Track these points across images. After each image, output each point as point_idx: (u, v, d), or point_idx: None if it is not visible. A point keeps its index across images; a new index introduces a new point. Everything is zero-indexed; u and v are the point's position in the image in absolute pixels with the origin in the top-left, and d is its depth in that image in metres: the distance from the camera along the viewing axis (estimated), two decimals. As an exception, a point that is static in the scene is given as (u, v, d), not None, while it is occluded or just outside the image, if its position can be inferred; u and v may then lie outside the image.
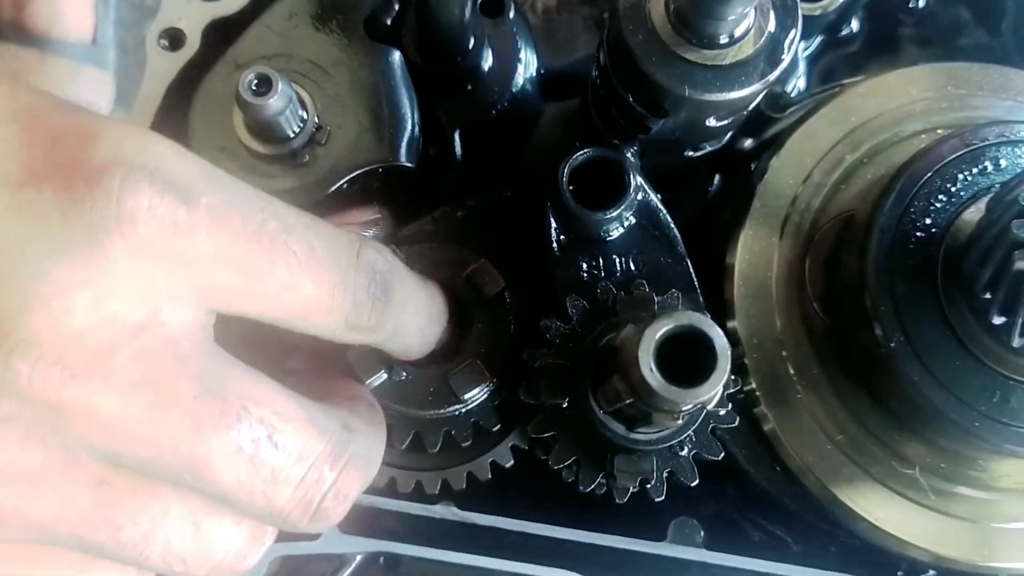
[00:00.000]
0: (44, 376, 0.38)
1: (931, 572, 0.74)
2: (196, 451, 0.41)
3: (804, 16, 0.75)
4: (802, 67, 0.81)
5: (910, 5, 0.84)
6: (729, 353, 0.48)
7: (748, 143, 0.78)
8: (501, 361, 0.62)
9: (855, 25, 0.83)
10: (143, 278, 0.40)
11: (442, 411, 0.61)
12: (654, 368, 0.47)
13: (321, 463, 0.46)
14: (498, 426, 0.63)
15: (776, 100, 0.74)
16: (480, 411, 0.63)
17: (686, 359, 0.49)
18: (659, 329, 0.48)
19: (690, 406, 0.49)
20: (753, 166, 0.73)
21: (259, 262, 0.43)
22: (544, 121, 0.83)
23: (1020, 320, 0.52)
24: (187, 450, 0.41)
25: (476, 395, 0.61)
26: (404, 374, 0.61)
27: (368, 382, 0.59)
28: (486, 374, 0.60)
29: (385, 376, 0.60)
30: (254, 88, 0.60)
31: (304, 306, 0.46)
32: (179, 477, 0.42)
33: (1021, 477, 0.65)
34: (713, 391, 0.47)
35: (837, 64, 0.84)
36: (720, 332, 0.48)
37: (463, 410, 0.62)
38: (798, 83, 0.82)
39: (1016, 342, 0.53)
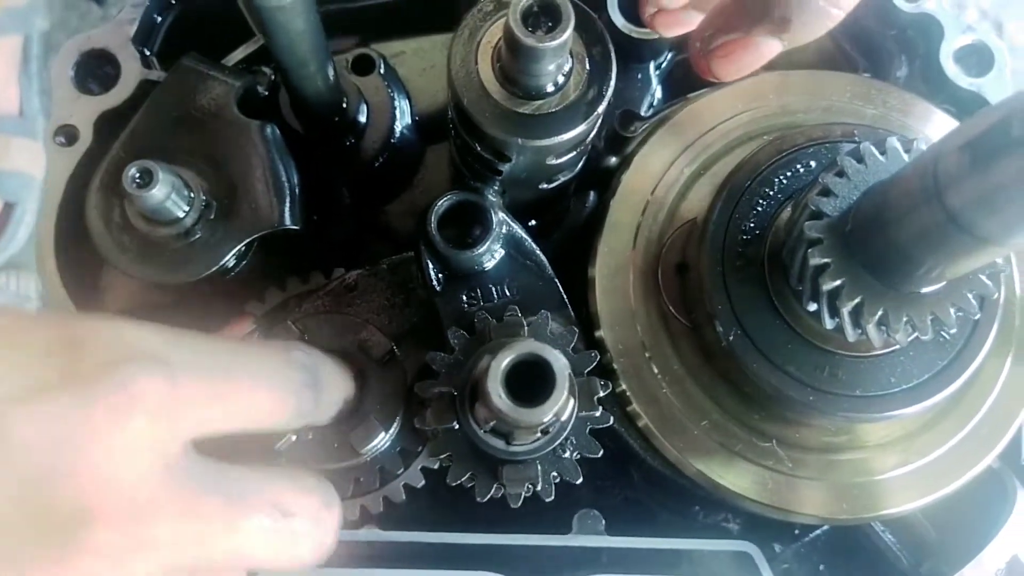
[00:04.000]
0: (109, 534, 0.46)
1: (822, 527, 0.83)
2: (234, 542, 0.51)
3: (642, 40, 0.83)
4: (655, 85, 0.88)
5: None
6: (567, 372, 0.55)
7: (613, 160, 0.85)
8: (397, 411, 0.69)
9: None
10: (155, 434, 0.48)
11: (348, 463, 0.68)
12: (502, 395, 0.54)
13: (319, 512, 0.55)
14: (402, 469, 0.71)
15: (626, 120, 0.81)
16: (384, 457, 0.70)
17: (535, 379, 0.56)
18: (503, 360, 0.55)
19: (543, 422, 0.56)
20: (613, 182, 0.80)
21: (225, 395, 0.52)
22: (427, 163, 0.90)
23: (825, 306, 0.60)
24: (227, 544, 0.50)
25: (376, 446, 0.69)
26: (310, 435, 0.68)
27: (277, 447, 0.66)
28: (379, 429, 0.67)
29: (293, 438, 0.67)
30: (137, 182, 0.66)
31: (263, 413, 0.55)
32: (227, 564, 0.52)
33: (879, 436, 0.73)
34: (556, 407, 0.55)
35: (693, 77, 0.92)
36: (558, 355, 0.55)
37: (367, 459, 0.69)
38: (654, 100, 0.89)
39: (828, 324, 0.61)
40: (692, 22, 0.69)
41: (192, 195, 0.71)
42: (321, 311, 0.73)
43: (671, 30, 0.66)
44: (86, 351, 0.48)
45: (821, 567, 0.83)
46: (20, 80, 2.16)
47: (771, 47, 0.62)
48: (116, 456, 0.46)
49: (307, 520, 0.54)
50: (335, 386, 0.65)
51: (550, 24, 0.57)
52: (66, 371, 0.47)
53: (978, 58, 0.85)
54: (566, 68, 0.63)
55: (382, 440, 0.69)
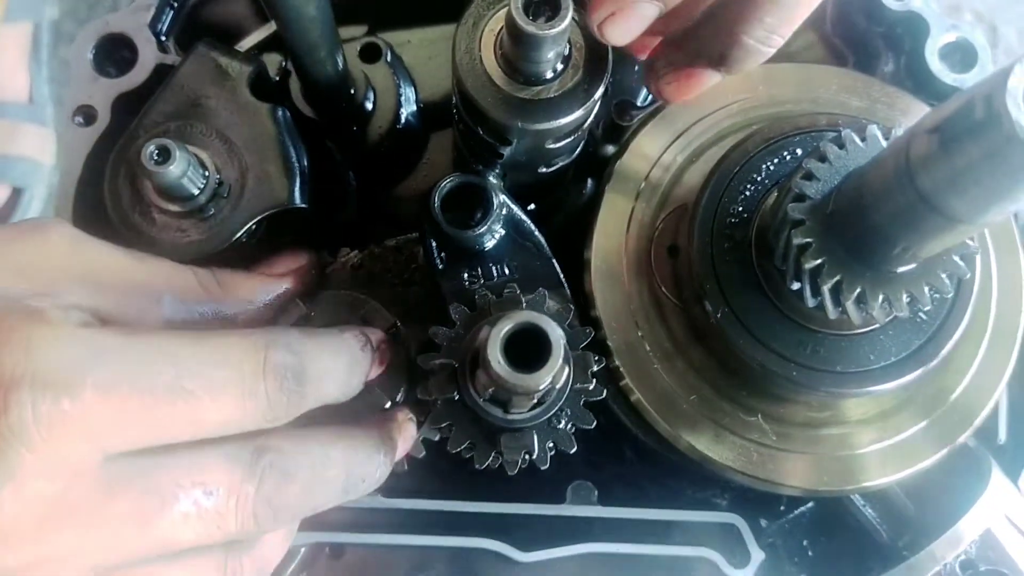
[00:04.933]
0: (4, 558, 0.48)
1: (809, 504, 0.87)
2: (157, 536, 0.51)
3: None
4: (651, 75, 0.91)
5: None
6: (563, 341, 0.58)
7: (610, 149, 0.88)
8: (400, 385, 0.72)
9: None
10: (51, 459, 0.47)
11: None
12: (501, 361, 0.58)
13: (241, 485, 0.54)
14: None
15: (622, 109, 0.85)
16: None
17: (532, 350, 0.59)
18: (503, 328, 0.58)
19: (539, 387, 0.59)
20: (609, 170, 0.83)
21: (158, 413, 0.50)
22: (431, 148, 0.94)
23: (807, 285, 0.63)
24: (152, 539, 0.51)
25: None
26: None
27: None
28: (384, 399, 0.71)
29: None
30: (155, 158, 0.69)
31: (219, 425, 0.53)
32: (158, 556, 0.53)
33: (860, 412, 0.76)
34: (552, 373, 0.58)
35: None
36: (554, 325, 0.59)
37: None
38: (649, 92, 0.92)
39: (810, 303, 0.64)
40: (652, 47, 0.74)
41: (206, 174, 0.74)
42: (327, 288, 0.76)
43: (624, 39, 0.69)
44: None
45: (804, 542, 0.86)
46: (30, 67, 2.20)
47: (712, 77, 0.68)
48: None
49: (228, 494, 0.53)
50: (335, 376, 0.62)
51: (550, 13, 0.61)
52: None
53: (962, 55, 0.89)
54: (565, 56, 0.66)
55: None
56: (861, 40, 0.92)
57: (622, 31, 0.63)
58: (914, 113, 0.80)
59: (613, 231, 0.77)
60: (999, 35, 2.29)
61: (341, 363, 0.64)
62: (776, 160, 0.71)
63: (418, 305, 0.79)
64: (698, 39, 0.67)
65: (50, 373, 0.47)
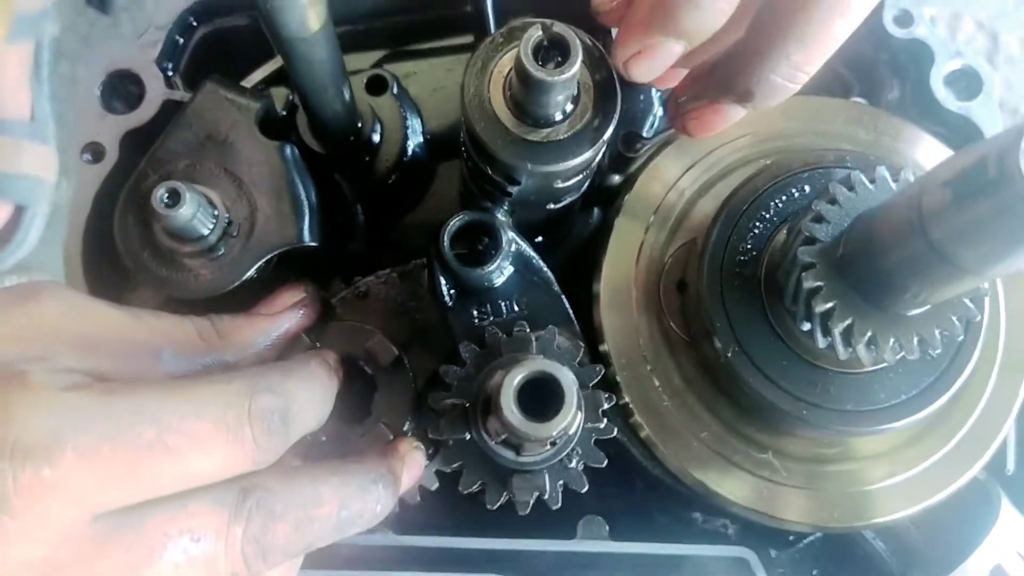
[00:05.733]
0: None
1: (815, 534, 0.87)
2: None
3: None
4: (657, 106, 0.92)
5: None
6: (575, 389, 0.59)
7: (616, 178, 0.88)
8: (406, 417, 0.72)
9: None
10: (35, 526, 0.48)
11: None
12: (514, 410, 0.58)
13: (229, 528, 0.53)
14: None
15: (630, 141, 0.85)
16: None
17: (544, 396, 0.60)
18: (515, 377, 0.58)
19: (553, 435, 0.60)
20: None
21: (142, 470, 0.50)
22: (438, 178, 0.94)
23: (817, 327, 0.63)
24: None
25: None
26: (323, 437, 0.71)
27: None
28: (387, 435, 0.71)
29: (308, 438, 0.70)
30: (165, 202, 0.69)
31: (204, 477, 0.53)
32: None
33: (870, 449, 0.76)
34: (565, 422, 0.58)
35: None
36: (567, 372, 0.59)
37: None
38: (656, 120, 0.92)
39: (821, 344, 0.64)
40: (676, 79, 0.72)
41: (216, 213, 0.74)
42: (333, 318, 0.76)
43: (649, 77, 0.68)
44: None
45: (814, 572, 0.86)
46: (31, 85, 2.20)
47: (737, 112, 0.67)
48: None
49: (216, 538, 0.53)
50: (314, 411, 0.63)
51: (559, 58, 0.61)
52: None
53: (967, 82, 0.89)
54: (574, 97, 0.66)
55: None
56: (866, 68, 0.92)
57: (646, 69, 0.63)
58: (919, 144, 0.80)
59: (622, 263, 0.77)
60: (1000, 44, 2.29)
61: (317, 394, 0.65)
62: (784, 197, 0.71)
63: (424, 331, 0.79)
64: (723, 74, 0.66)
65: (30, 440, 0.47)
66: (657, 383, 0.74)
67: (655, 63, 0.63)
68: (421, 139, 0.90)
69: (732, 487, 0.73)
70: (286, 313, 0.75)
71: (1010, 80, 2.37)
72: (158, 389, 0.54)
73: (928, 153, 0.80)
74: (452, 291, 0.76)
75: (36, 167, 2.14)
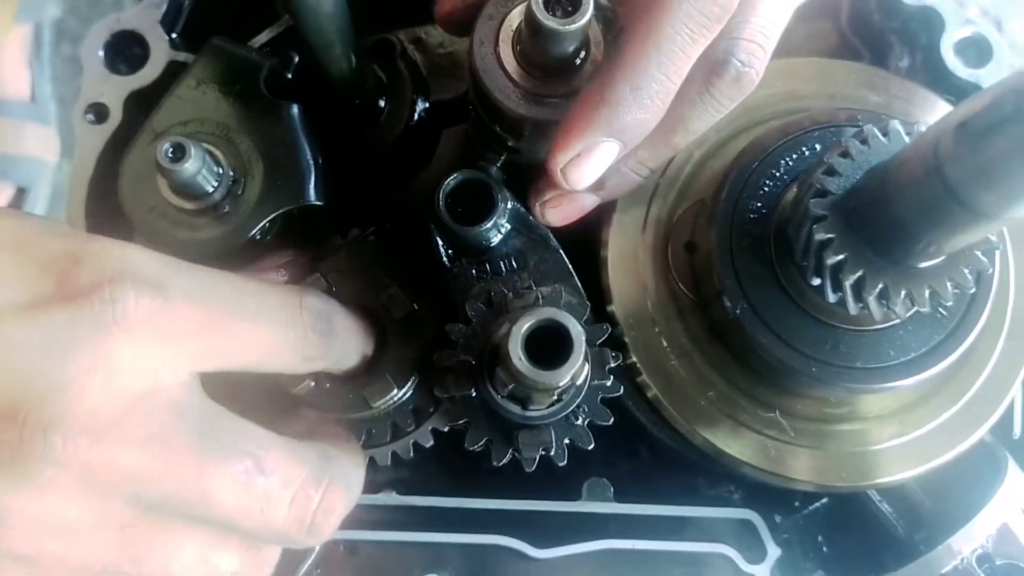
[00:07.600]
0: (75, 444, 0.48)
1: (824, 499, 0.87)
2: (201, 484, 0.52)
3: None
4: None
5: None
6: (583, 338, 0.58)
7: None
8: (413, 371, 0.72)
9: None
10: (141, 357, 0.51)
11: (361, 414, 0.71)
12: (522, 357, 0.58)
13: (306, 485, 0.57)
14: (412, 425, 0.73)
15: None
16: (396, 413, 0.73)
17: (552, 347, 0.59)
18: (524, 325, 0.58)
19: (560, 384, 0.59)
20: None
21: (226, 327, 0.55)
22: (443, 143, 0.93)
23: (828, 280, 0.63)
24: (195, 484, 0.52)
25: (387, 402, 0.71)
26: (327, 384, 0.71)
27: (295, 390, 0.69)
28: (392, 386, 0.70)
29: (312, 384, 0.70)
30: (170, 156, 0.69)
31: (266, 351, 0.58)
32: (192, 508, 0.53)
33: (877, 408, 0.76)
34: (573, 370, 0.58)
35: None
36: (574, 321, 0.58)
37: (380, 413, 0.72)
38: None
39: (831, 298, 0.64)
40: (588, 206, 0.75)
41: (221, 171, 0.74)
42: (347, 267, 0.76)
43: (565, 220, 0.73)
44: (84, 267, 0.50)
45: (819, 538, 0.86)
46: (32, 66, 2.19)
47: (590, 200, 0.73)
48: (92, 371, 0.49)
49: (281, 484, 0.55)
50: (349, 336, 0.67)
51: (570, 8, 0.61)
52: (61, 285, 0.50)
53: (977, 50, 0.88)
54: (582, 53, 0.66)
55: (395, 397, 0.72)
56: (876, 36, 0.92)
57: (587, 174, 0.65)
58: (932, 108, 0.80)
59: (630, 227, 0.76)
60: (1005, 30, 2.29)
61: (357, 329, 0.69)
62: (795, 155, 0.70)
63: (438, 289, 0.78)
64: None
65: (146, 276, 0.52)
66: (665, 343, 0.74)
67: (594, 166, 0.64)
68: (427, 104, 0.90)
69: (740, 446, 0.73)
70: (271, 271, 0.76)
71: (1015, 66, 2.37)
72: (233, 274, 0.60)
73: (939, 115, 0.79)
74: (450, 251, 0.75)
75: (37, 148, 2.13)
